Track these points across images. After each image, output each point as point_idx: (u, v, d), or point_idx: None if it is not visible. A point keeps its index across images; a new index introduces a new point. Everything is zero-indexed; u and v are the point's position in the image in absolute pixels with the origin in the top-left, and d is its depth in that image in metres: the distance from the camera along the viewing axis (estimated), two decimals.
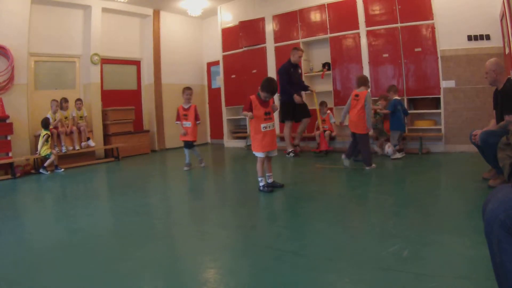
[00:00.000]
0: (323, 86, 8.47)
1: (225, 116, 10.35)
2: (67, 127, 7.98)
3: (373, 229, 3.14)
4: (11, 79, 7.35)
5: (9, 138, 7.23)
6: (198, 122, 6.62)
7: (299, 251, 2.71)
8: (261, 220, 3.70)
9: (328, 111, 7.86)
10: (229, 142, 10.40)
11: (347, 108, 6.04)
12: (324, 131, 7.60)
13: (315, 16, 8.29)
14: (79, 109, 8.34)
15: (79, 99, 8.41)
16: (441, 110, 6.86)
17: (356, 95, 5.84)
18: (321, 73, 8.40)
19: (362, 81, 5.88)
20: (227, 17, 10.09)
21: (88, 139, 8.37)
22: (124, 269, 2.60)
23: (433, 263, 2.37)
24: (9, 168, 7.09)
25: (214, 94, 11.25)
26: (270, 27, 9.13)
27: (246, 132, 9.76)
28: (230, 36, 10.01)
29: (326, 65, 8.35)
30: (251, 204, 4.23)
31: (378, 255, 2.56)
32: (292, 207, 4.08)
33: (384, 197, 4.15)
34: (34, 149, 7.61)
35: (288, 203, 4.23)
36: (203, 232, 3.36)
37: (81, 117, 8.34)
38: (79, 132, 8.17)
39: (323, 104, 7.85)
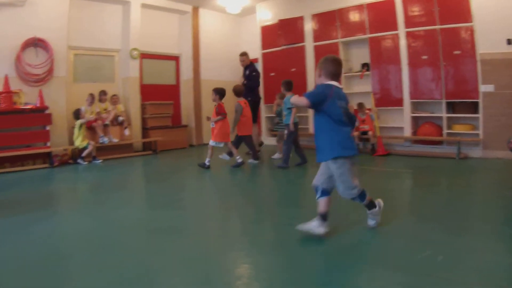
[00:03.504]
0: (362, 87, 9.03)
1: (263, 114, 11.09)
2: (105, 119, 8.86)
3: (407, 232, 3.39)
4: (50, 71, 8.26)
5: (47, 128, 8.02)
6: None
7: (332, 251, 3.00)
8: (300, 219, 3.81)
9: (367, 111, 8.46)
10: (267, 140, 11.13)
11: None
12: (364, 132, 8.29)
13: (354, 16, 8.87)
14: (114, 103, 9.33)
15: (115, 95, 9.43)
16: (480, 115, 7.26)
17: None
18: (360, 73, 9.00)
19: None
20: (266, 15, 10.82)
21: (125, 128, 9.31)
22: (157, 263, 2.87)
23: (467, 269, 2.56)
24: (47, 157, 7.95)
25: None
26: (309, 26, 9.78)
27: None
28: (269, 34, 10.73)
29: (365, 66, 8.93)
30: (291, 200, 4.72)
31: (412, 259, 2.76)
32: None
33: (419, 201, 4.57)
34: (72, 140, 8.42)
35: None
36: (237, 227, 3.76)
37: (105, 108, 9.20)
38: (117, 124, 9.13)
39: (361, 105, 8.47)
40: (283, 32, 10.31)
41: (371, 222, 3.51)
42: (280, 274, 2.68)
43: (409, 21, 7.95)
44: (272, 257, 2.98)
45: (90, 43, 9.42)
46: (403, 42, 8.09)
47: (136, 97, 10.03)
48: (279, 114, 7.94)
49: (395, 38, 8.19)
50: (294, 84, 9.38)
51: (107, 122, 8.90)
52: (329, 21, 9.37)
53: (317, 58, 9.55)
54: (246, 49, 12.16)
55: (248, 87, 8.30)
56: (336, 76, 3.39)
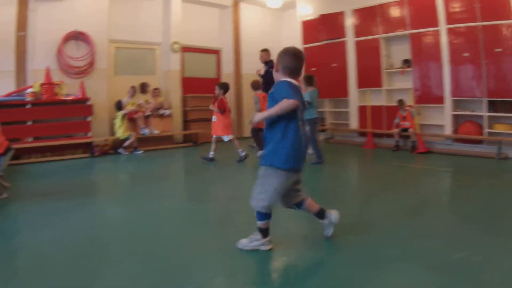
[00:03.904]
0: (403, 84, 9.01)
1: None
2: (146, 111, 9.24)
3: (444, 231, 3.41)
4: (91, 63, 8.73)
5: (89, 119, 8.46)
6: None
7: (367, 246, 3.05)
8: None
9: (408, 108, 8.48)
10: None
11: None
12: (404, 129, 8.33)
13: (395, 12, 8.83)
14: (155, 96, 9.73)
15: (156, 88, 9.83)
16: None
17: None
18: (401, 69, 9.00)
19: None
20: (307, 10, 10.90)
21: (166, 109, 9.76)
22: (194, 254, 3.01)
23: (505, 272, 2.56)
24: (88, 147, 8.38)
25: None
26: (350, 21, 9.81)
27: (325, 125, 10.65)
28: (310, 28, 10.83)
29: (406, 62, 8.91)
30: (325, 195, 4.82)
31: (448, 259, 2.78)
32: (367, 202, 4.57)
33: (457, 201, 4.64)
34: (113, 131, 8.84)
35: (360, 199, 4.83)
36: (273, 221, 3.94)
37: (146, 100, 9.59)
38: (159, 116, 9.57)
39: (401, 101, 8.49)
40: (324, 27, 10.39)
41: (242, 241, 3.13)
42: (315, 268, 2.79)
43: (450, 18, 7.85)
44: (309, 251, 3.08)
45: (131, 36, 9.83)
46: (444, 39, 8.00)
47: (177, 90, 10.42)
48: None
49: (436, 34, 8.12)
50: (335, 79, 9.58)
51: (147, 113, 9.27)
52: (370, 16, 9.37)
53: (359, 54, 9.65)
54: (286, 43, 12.31)
55: (265, 82, 8.57)
56: (294, 72, 3.03)
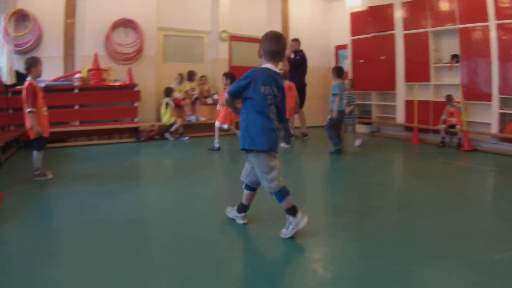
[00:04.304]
0: (451, 79, 8.86)
1: None
2: (192, 98, 9.58)
3: (487, 231, 3.41)
4: (139, 50, 9.12)
5: (136, 104, 8.83)
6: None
7: (408, 243, 3.07)
8: (379, 207, 4.11)
9: (456, 103, 8.36)
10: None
11: None
12: (451, 125, 8.25)
13: (444, 5, 8.66)
14: (202, 83, 10.07)
15: (203, 76, 10.17)
16: None
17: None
18: (449, 64, 8.85)
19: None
20: (356, 1, 10.86)
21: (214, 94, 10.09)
22: (231, 242, 3.18)
23: None
24: (134, 132, 8.77)
25: None
26: (399, 14, 9.70)
27: (371, 118, 10.68)
28: (358, 20, 10.79)
29: (454, 57, 8.76)
30: (371, 190, 4.88)
31: (490, 259, 2.76)
32: (409, 198, 4.63)
33: (501, 201, 4.57)
34: (159, 116, 9.18)
35: (404, 195, 4.90)
36: (316, 212, 3.84)
37: (193, 88, 9.92)
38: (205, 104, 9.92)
39: (449, 97, 8.38)
40: (372, 19, 10.33)
41: (282, 231, 3.19)
42: (354, 261, 2.83)
43: (500, 13, 7.61)
44: (348, 242, 3.14)
45: (179, 24, 10.17)
46: (493, 35, 7.79)
47: None
48: (348, 103, 8.06)
49: (486, 30, 7.91)
50: (383, 71, 9.60)
51: (194, 97, 9.60)
52: (419, 9, 9.23)
53: (407, 47, 9.56)
54: (335, 35, 12.40)
55: (292, 71, 8.92)
56: (275, 55, 3.15)
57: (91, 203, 4.13)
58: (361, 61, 10.83)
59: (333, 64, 12.59)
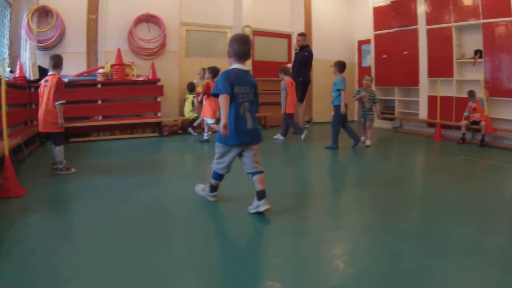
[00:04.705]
0: (473, 75, 8.78)
1: None
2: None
3: (510, 229, 3.39)
4: (162, 45, 9.24)
5: (158, 99, 8.98)
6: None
7: (431, 239, 3.04)
8: (402, 203, 4.10)
9: (477, 98, 8.26)
10: (376, 122, 11.33)
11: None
12: (474, 121, 8.18)
13: (468, 0, 8.58)
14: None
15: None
16: None
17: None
18: (472, 60, 8.78)
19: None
20: None
21: None
22: (253, 234, 3.22)
23: None
24: (157, 127, 8.93)
25: (364, 72, 12.15)
26: (422, 9, 9.64)
27: (394, 114, 10.66)
28: (381, 15, 10.77)
29: (478, 53, 8.68)
30: (392, 188, 4.80)
31: None
32: (432, 195, 4.56)
33: None
34: (183, 111, 9.31)
35: (428, 191, 4.84)
36: (338, 207, 3.95)
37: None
38: None
39: (472, 93, 8.31)
40: (395, 14, 10.30)
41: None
42: (378, 256, 2.79)
43: None
44: (371, 237, 3.17)
45: (202, 19, 10.29)
46: None
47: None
48: (369, 100, 8.01)
49: (509, 25, 7.82)
50: (406, 66, 9.56)
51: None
52: (442, 4, 9.15)
53: (430, 42, 9.51)
54: (358, 30, 12.38)
55: (297, 66, 8.99)
56: (242, 56, 3.46)
57: (114, 196, 4.20)
58: (384, 56, 10.82)
59: (356, 59, 12.61)
